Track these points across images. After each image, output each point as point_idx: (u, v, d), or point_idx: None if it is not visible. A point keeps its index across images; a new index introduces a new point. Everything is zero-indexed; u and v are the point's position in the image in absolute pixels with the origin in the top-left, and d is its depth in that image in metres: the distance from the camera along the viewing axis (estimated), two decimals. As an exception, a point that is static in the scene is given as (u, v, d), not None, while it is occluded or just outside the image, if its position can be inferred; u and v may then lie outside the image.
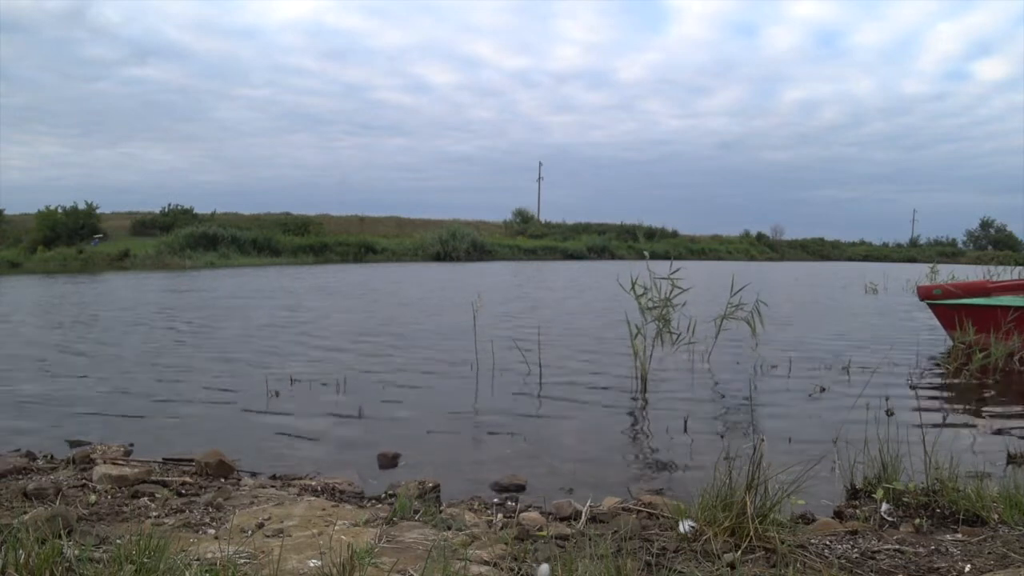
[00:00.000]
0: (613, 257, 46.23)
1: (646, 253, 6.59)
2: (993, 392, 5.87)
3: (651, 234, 54.92)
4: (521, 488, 3.41)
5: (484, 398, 5.54)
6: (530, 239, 49.04)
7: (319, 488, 3.20)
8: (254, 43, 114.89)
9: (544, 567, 2.03)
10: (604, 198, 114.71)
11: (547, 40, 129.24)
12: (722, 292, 7.36)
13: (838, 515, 2.87)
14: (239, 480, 3.34)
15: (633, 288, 6.16)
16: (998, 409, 5.29)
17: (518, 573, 2.08)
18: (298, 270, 27.49)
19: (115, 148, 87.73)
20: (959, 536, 2.42)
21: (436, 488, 3.24)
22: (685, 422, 4.69)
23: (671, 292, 6.21)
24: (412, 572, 2.06)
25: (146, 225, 41.25)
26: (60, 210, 37.04)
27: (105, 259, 29.96)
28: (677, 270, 6.22)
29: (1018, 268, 19.38)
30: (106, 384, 5.93)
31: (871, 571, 2.10)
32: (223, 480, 3.29)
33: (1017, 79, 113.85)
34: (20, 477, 3.17)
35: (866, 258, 59.48)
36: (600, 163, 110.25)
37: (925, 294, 8.46)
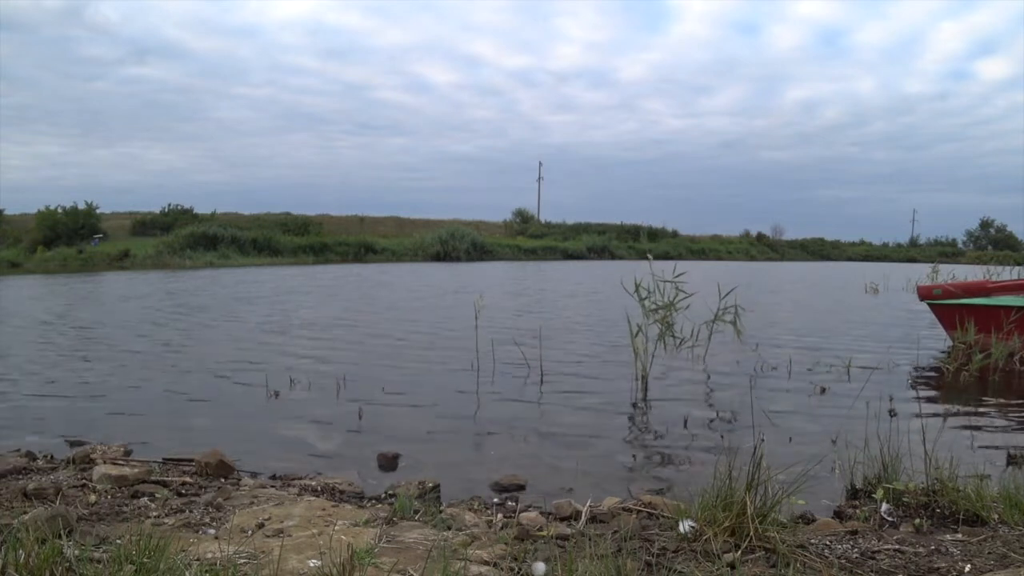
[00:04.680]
0: (613, 257, 46.23)
1: (649, 255, 6.60)
2: (993, 392, 5.87)
3: (652, 234, 54.93)
4: (521, 488, 3.41)
5: (484, 398, 5.54)
6: (530, 239, 49.03)
7: (319, 488, 3.20)
8: (253, 42, 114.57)
9: (540, 565, 2.03)
10: (604, 198, 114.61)
11: (548, 39, 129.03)
12: (718, 294, 7.37)
13: (838, 515, 2.87)
14: (239, 480, 3.34)
15: (637, 290, 6.16)
16: (998, 409, 5.29)
17: (518, 573, 2.08)
18: (298, 270, 27.50)
19: (114, 148, 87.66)
20: (959, 536, 2.42)
21: (436, 488, 3.24)
22: (685, 422, 4.69)
23: (675, 296, 6.21)
24: (412, 572, 2.06)
25: (146, 225, 41.25)
26: (60, 210, 37.04)
27: (105, 259, 29.94)
28: (682, 274, 6.24)
29: (1018, 268, 19.38)
30: (106, 384, 5.93)
31: (871, 571, 2.10)
32: (223, 480, 3.29)
33: (1019, 79, 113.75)
34: (20, 477, 3.17)
35: (866, 258, 59.49)
36: (600, 163, 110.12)
37: (925, 294, 8.46)
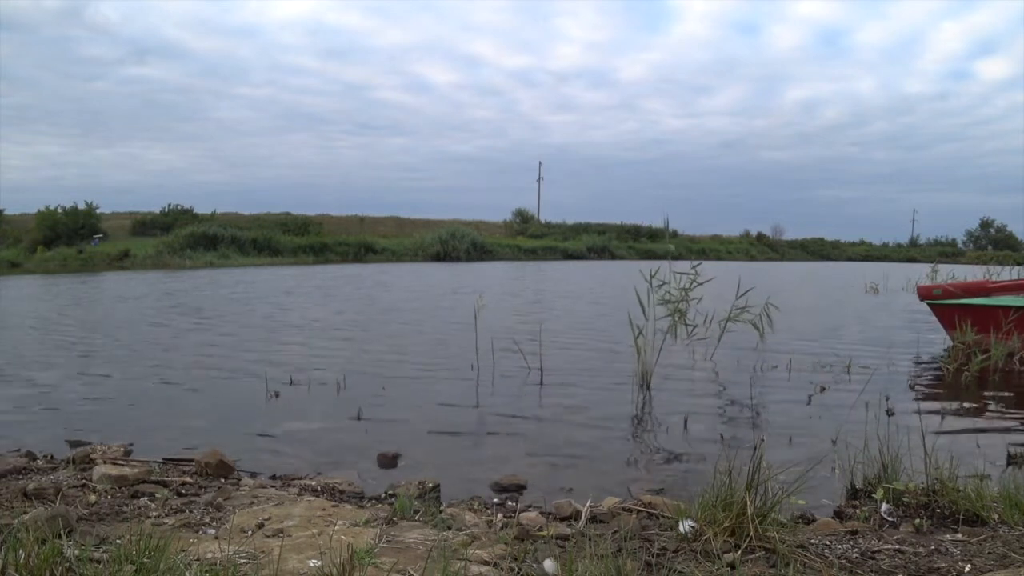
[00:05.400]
0: (613, 257, 46.25)
1: (671, 247, 6.66)
2: (993, 392, 5.87)
3: (651, 234, 54.94)
4: (521, 488, 3.41)
5: (484, 398, 5.54)
6: (530, 239, 49.02)
7: (319, 488, 3.20)
8: (253, 42, 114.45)
9: (549, 562, 2.03)
10: (604, 198, 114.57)
11: (548, 39, 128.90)
12: (723, 292, 7.36)
13: (838, 515, 2.87)
14: (239, 480, 3.34)
15: (651, 280, 6.16)
16: (998, 409, 5.29)
17: (518, 573, 2.08)
18: (298, 270, 27.50)
19: (114, 148, 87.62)
20: (959, 536, 2.42)
21: (436, 488, 3.24)
22: (685, 422, 4.69)
23: (691, 284, 6.24)
24: (412, 572, 2.06)
25: (146, 225, 41.23)
26: (60, 210, 37.01)
27: (105, 259, 29.94)
28: (698, 263, 6.31)
29: (1018, 268, 19.38)
30: (106, 384, 5.93)
31: (871, 571, 2.10)
32: (223, 480, 3.29)
33: (1019, 78, 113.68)
34: (20, 477, 3.17)
35: (866, 258, 59.49)
36: (600, 163, 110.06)
37: (925, 294, 8.46)
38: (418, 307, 12.93)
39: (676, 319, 6.19)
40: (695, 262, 6.49)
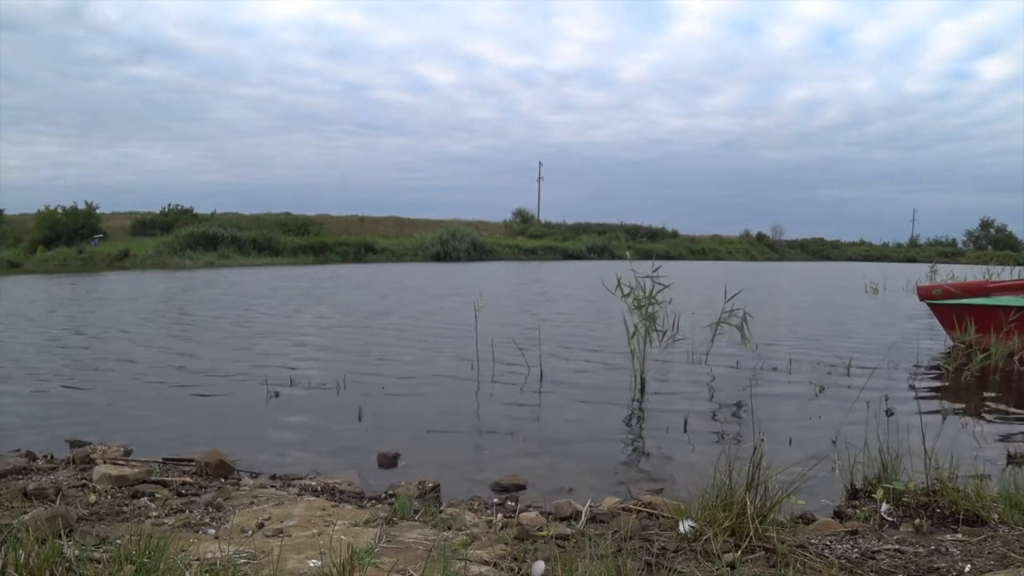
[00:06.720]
0: (613, 257, 46.24)
1: (627, 254, 6.58)
2: (993, 392, 5.87)
3: (651, 234, 54.96)
4: (521, 488, 3.41)
5: (484, 398, 5.54)
6: (530, 239, 49.03)
7: (319, 488, 3.20)
8: (253, 42, 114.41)
9: (539, 564, 2.03)
10: (604, 198, 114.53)
11: (548, 39, 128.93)
12: (719, 293, 7.35)
13: (838, 515, 2.87)
14: (239, 480, 3.34)
15: (619, 287, 6.15)
16: (998, 409, 5.29)
17: (518, 573, 2.08)
18: (298, 270, 27.49)
19: (114, 148, 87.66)
20: (959, 536, 2.42)
21: (436, 488, 3.24)
22: (685, 422, 4.69)
23: (653, 289, 6.20)
24: (412, 572, 2.06)
25: (146, 225, 41.23)
26: (60, 210, 37.01)
27: (105, 259, 29.97)
28: (658, 267, 6.25)
29: (1018, 268, 19.38)
30: (106, 384, 5.93)
31: (871, 571, 2.10)
32: (223, 480, 3.29)
33: (1020, 78, 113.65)
34: (20, 477, 3.17)
35: (866, 258, 59.51)
36: (600, 163, 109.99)
37: (925, 294, 8.46)
38: (418, 307, 12.93)
39: (648, 325, 6.14)
40: (667, 269, 6.29)
